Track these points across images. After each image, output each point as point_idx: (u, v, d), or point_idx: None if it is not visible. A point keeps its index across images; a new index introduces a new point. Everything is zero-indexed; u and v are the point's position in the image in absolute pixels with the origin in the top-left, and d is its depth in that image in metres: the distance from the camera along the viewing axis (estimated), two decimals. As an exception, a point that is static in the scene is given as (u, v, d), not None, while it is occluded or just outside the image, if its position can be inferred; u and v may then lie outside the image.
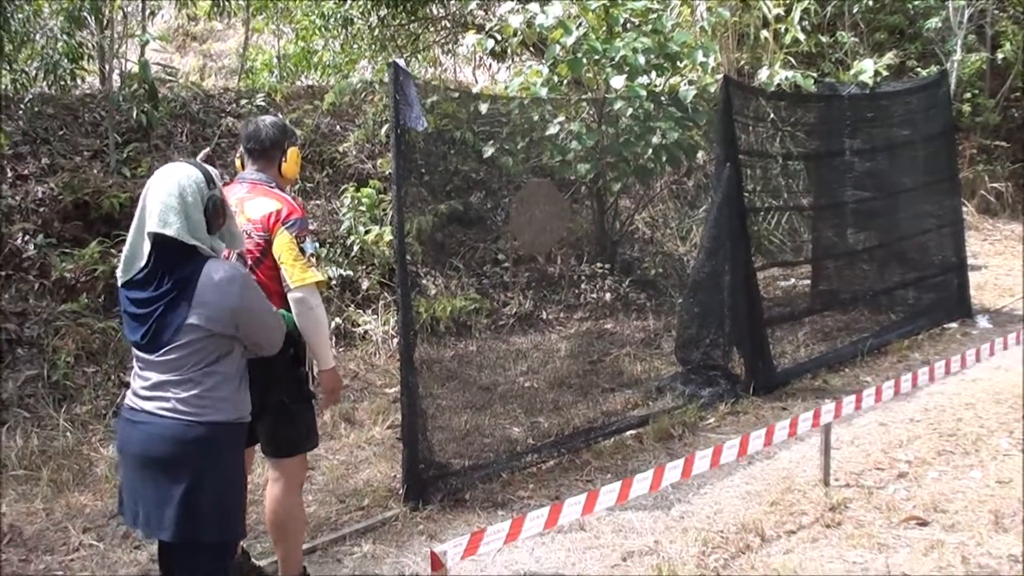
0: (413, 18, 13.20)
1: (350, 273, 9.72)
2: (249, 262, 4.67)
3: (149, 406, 3.83)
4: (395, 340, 9.01)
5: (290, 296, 4.65)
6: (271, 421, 4.77)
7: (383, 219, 10.00)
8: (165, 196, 3.76)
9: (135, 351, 3.92)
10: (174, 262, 3.76)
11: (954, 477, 6.56)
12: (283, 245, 4.65)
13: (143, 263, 3.79)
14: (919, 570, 5.24)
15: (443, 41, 14.23)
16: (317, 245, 5.02)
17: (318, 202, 10.65)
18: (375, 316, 9.48)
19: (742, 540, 5.67)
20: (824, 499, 6.20)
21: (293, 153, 4.99)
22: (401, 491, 6.28)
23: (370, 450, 7.30)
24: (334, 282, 9.53)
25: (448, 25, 13.76)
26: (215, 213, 3.89)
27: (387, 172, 10.73)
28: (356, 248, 9.87)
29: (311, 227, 5.33)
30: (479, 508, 6.25)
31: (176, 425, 3.78)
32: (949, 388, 8.44)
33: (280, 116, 5.24)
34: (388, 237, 9.54)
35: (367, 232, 9.83)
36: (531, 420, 7.74)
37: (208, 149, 4.66)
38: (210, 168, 4.00)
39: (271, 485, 4.94)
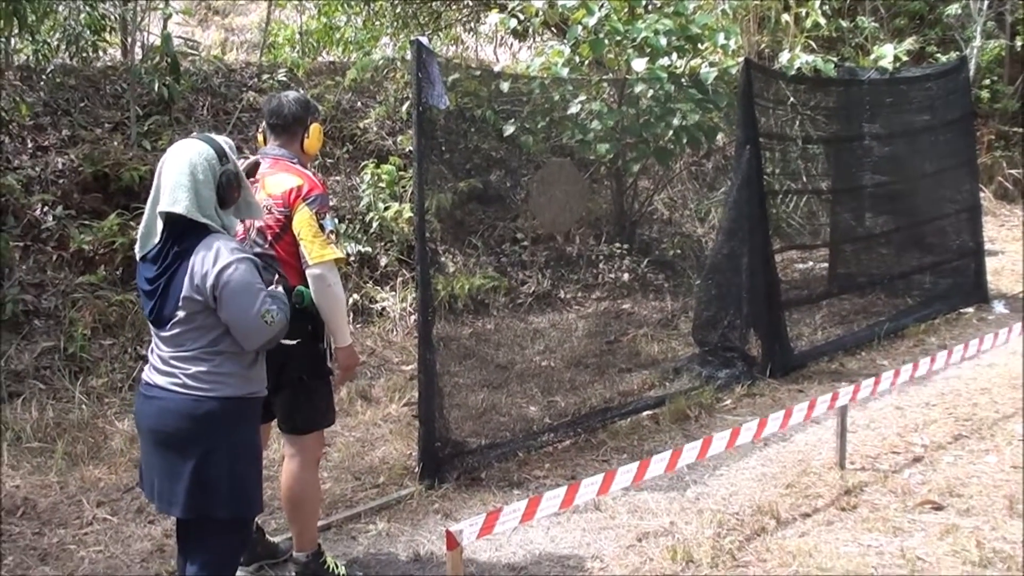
0: (435, -5, 13.21)
1: (369, 249, 9.74)
2: (269, 237, 4.70)
3: (162, 381, 3.87)
4: (413, 317, 9.04)
5: (308, 272, 4.66)
6: (289, 397, 4.80)
7: (403, 196, 10.02)
8: (176, 174, 3.80)
9: (151, 326, 3.97)
10: (183, 239, 3.80)
11: (969, 462, 6.55)
12: (303, 221, 4.65)
13: (156, 240, 3.87)
14: (934, 554, 5.25)
15: (465, 19, 14.21)
16: (336, 222, 5.02)
17: (338, 178, 10.66)
18: (393, 293, 9.50)
19: (757, 522, 5.69)
20: (839, 482, 6.21)
21: (315, 129, 4.99)
22: (417, 469, 6.29)
23: (386, 427, 7.32)
24: (353, 258, 9.56)
25: (470, 3, 13.73)
26: (229, 187, 3.92)
27: (407, 149, 10.75)
28: (375, 225, 9.88)
29: (331, 204, 5.33)
30: (495, 487, 6.26)
31: (185, 400, 3.81)
32: (965, 373, 8.44)
33: (302, 92, 5.25)
34: (407, 214, 9.56)
35: (386, 209, 9.85)
36: (548, 399, 7.76)
37: (257, 158, 4.70)
38: (223, 140, 4.01)
39: (287, 461, 4.96)
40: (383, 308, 9.36)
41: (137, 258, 3.96)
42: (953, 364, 7.43)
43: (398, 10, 13.30)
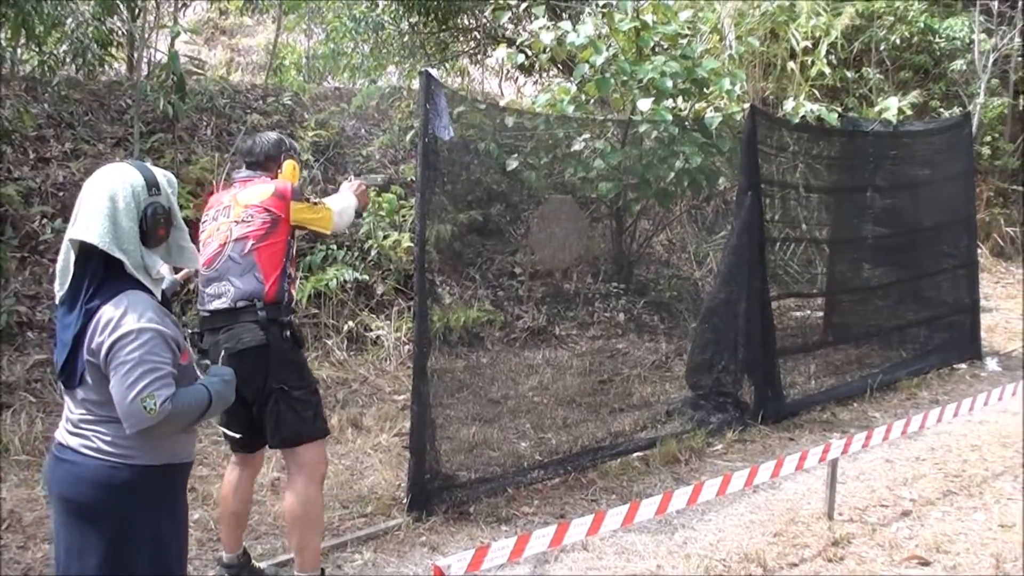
0: (443, 27, 13.25)
1: (366, 277, 9.71)
2: (252, 242, 4.81)
3: (74, 443, 3.43)
4: (407, 347, 9.03)
5: (334, 230, 5.30)
6: (274, 410, 4.81)
7: (402, 225, 10.02)
8: (95, 199, 3.36)
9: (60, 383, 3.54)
10: (97, 281, 3.37)
11: (957, 518, 6.55)
12: (304, 215, 4.98)
13: (71, 276, 3.42)
14: (920, 611, 5.25)
15: (472, 51, 14.27)
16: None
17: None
18: (388, 322, 9.48)
19: (744, 570, 5.67)
20: (827, 533, 6.20)
21: (288, 165, 5.21)
22: (405, 500, 6.27)
23: (376, 457, 7.29)
24: (349, 286, 9.53)
25: (478, 36, 13.79)
26: (154, 223, 3.43)
27: (410, 178, 10.76)
28: (373, 253, 9.87)
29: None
30: (483, 522, 6.24)
31: (101, 466, 3.38)
32: (956, 428, 8.42)
33: (279, 133, 5.52)
34: (406, 243, 9.56)
35: (385, 237, 9.84)
36: (539, 436, 7.74)
37: (385, 175, 4.90)
38: (161, 173, 3.55)
39: (289, 480, 4.97)
40: (377, 337, 9.34)
41: (56, 300, 3.51)
42: (944, 420, 7.42)
43: (405, 39, 13.36)
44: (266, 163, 5.15)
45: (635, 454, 7.55)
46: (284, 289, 4.85)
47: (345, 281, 9.39)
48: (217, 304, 4.78)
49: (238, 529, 5.22)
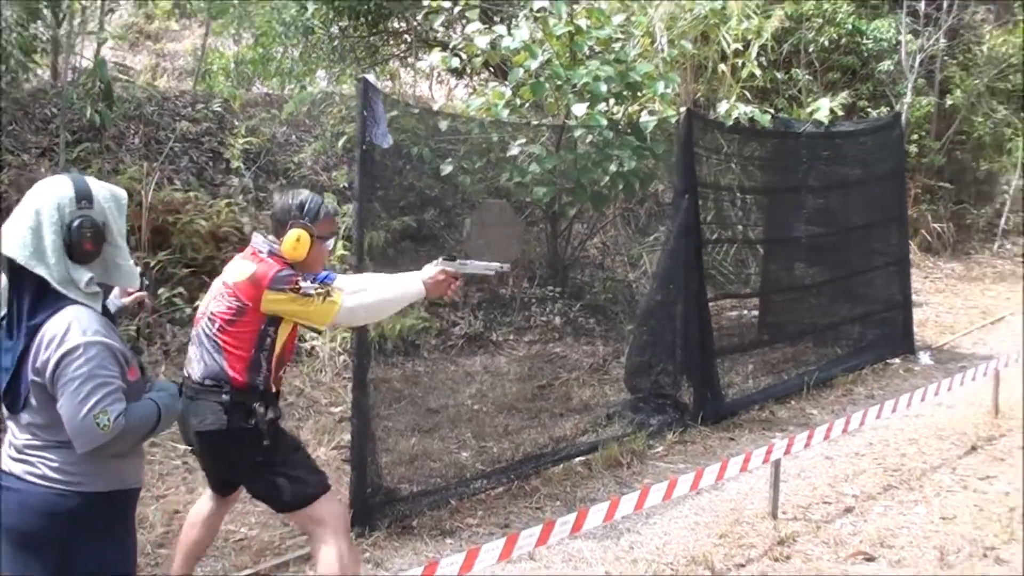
0: (374, 31, 13.16)
1: (299, 286, 9.58)
2: (219, 322, 4.45)
3: (18, 469, 3.31)
4: (342, 357, 8.92)
5: (340, 323, 4.79)
6: (264, 484, 4.58)
7: (336, 232, 9.88)
8: (22, 212, 3.25)
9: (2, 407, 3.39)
10: (34, 299, 3.25)
11: (899, 512, 6.62)
12: (284, 306, 4.43)
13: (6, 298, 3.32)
14: (867, 610, 5.27)
15: (403, 55, 14.20)
16: (309, 280, 4.69)
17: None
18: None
19: (692, 573, 5.67)
20: (773, 532, 6.23)
21: (291, 236, 4.54)
22: (347, 516, 6.16)
23: (315, 471, 7.18)
24: (282, 296, 9.39)
25: (408, 39, 13.73)
26: (80, 236, 3.25)
27: (342, 184, 10.66)
28: (306, 260, 9.72)
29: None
30: (427, 536, 6.17)
31: (47, 495, 3.26)
32: (893, 423, 8.49)
33: (305, 194, 4.85)
34: (340, 251, 9.44)
35: (318, 246, 9.69)
36: (480, 445, 7.69)
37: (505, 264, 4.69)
38: (101, 186, 3.40)
39: (315, 542, 4.62)
40: (312, 347, 9.20)
41: None
42: (882, 415, 7.47)
43: (335, 43, 13.25)
44: (277, 229, 4.65)
45: (577, 459, 7.54)
46: (256, 376, 4.50)
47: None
48: (188, 371, 4.57)
49: (194, 557, 5.01)
